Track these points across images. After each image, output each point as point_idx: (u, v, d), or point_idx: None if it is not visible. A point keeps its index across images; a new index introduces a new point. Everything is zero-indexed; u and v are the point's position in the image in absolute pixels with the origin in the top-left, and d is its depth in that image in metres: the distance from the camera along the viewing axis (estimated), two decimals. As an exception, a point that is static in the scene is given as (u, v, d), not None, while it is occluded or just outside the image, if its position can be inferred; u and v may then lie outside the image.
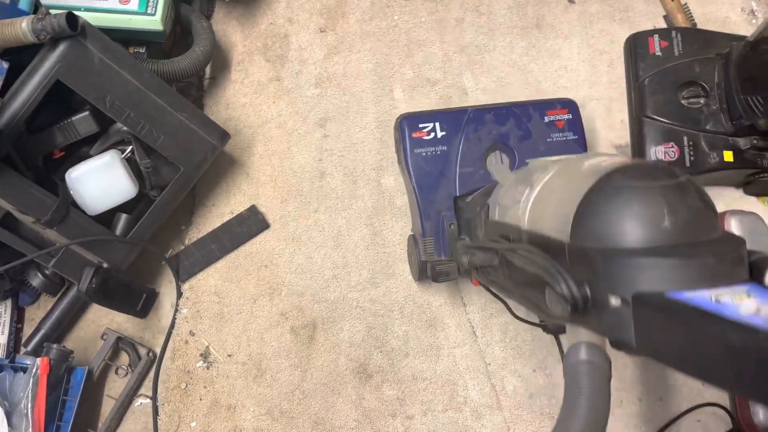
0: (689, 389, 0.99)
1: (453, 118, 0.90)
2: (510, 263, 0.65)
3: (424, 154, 0.89)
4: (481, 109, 0.92)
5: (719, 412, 0.96)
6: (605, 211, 0.52)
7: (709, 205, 0.53)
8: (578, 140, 0.92)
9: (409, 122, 0.90)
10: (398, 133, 0.92)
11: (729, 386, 0.41)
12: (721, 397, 0.99)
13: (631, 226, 0.50)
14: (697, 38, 1.06)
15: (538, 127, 0.91)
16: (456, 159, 0.89)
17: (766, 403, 0.39)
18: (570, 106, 0.93)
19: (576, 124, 0.92)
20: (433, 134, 0.90)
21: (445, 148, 0.89)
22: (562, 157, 0.68)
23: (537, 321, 0.90)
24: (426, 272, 0.90)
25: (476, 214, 0.84)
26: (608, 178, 0.53)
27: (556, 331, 0.79)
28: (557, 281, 0.52)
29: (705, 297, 0.44)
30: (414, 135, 0.89)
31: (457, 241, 0.87)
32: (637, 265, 0.48)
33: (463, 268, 0.82)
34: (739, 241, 0.51)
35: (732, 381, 0.40)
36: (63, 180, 0.89)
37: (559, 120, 0.92)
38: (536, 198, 0.64)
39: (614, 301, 0.49)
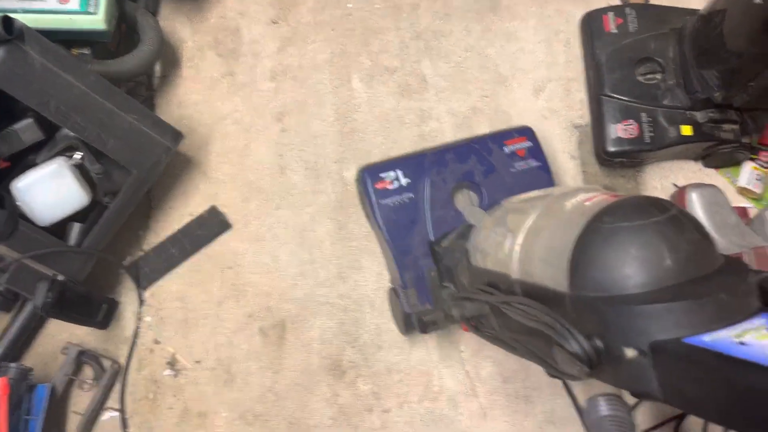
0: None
1: (414, 163, 0.88)
2: (505, 314, 0.61)
3: (391, 204, 0.86)
4: (441, 150, 0.90)
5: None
6: (603, 256, 0.50)
7: (706, 236, 0.52)
8: (542, 167, 0.91)
9: (370, 173, 0.87)
10: (362, 186, 0.89)
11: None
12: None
13: (633, 270, 0.48)
14: (651, 14, 1.07)
15: (500, 158, 0.90)
16: (425, 204, 0.87)
17: None
18: (527, 133, 0.92)
19: (536, 150, 0.91)
20: (397, 183, 0.87)
21: (411, 195, 0.87)
22: (537, 194, 0.65)
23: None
24: (412, 324, 0.86)
25: (457, 260, 0.81)
26: (599, 220, 0.51)
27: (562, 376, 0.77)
28: (566, 339, 0.49)
29: (726, 340, 0.42)
30: (378, 186, 0.86)
31: (440, 289, 0.84)
32: (649, 313, 0.46)
33: (452, 319, 0.79)
34: (743, 269, 0.49)
35: (761, 429, 0.38)
36: (9, 192, 0.85)
37: (519, 149, 0.90)
38: (523, 245, 0.61)
39: (630, 353, 0.46)
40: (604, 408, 0.51)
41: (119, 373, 0.93)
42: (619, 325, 0.47)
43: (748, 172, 1.07)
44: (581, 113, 1.09)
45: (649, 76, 1.04)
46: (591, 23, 1.08)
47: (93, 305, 0.91)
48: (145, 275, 0.95)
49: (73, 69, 0.82)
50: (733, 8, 0.89)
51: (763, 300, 0.48)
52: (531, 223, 0.61)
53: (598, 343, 0.48)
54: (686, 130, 1.01)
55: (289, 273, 0.98)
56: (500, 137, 0.91)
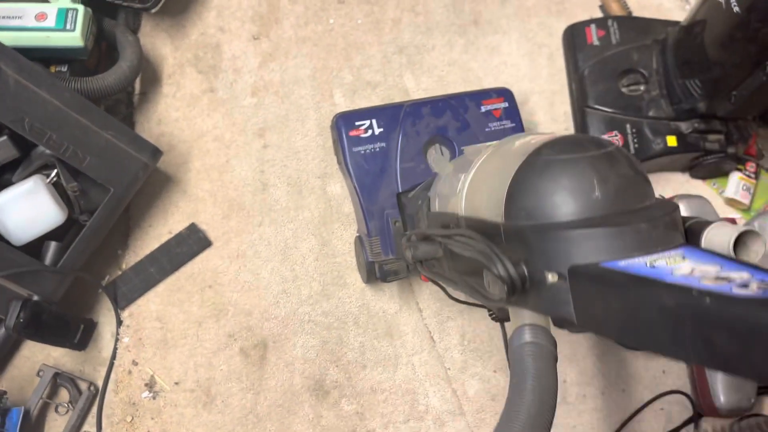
0: (650, 378, 0.98)
1: (390, 114, 0.89)
2: (452, 252, 0.63)
3: (362, 152, 0.87)
4: (418, 103, 0.91)
5: (681, 398, 0.96)
6: (535, 187, 0.51)
7: (640, 173, 0.53)
8: (516, 128, 0.91)
9: (345, 120, 0.88)
10: (335, 133, 0.90)
11: (667, 351, 0.40)
12: (683, 384, 0.98)
13: (562, 199, 0.49)
14: (633, 26, 1.07)
15: (476, 117, 0.90)
16: (396, 155, 0.88)
17: (702, 362, 0.37)
18: (505, 94, 0.93)
19: (513, 112, 0.92)
20: (370, 131, 0.88)
21: (384, 144, 0.88)
22: (496, 141, 0.66)
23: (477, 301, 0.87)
24: (374, 273, 0.87)
25: (418, 207, 0.82)
26: (537, 154, 0.53)
27: (503, 318, 0.77)
28: (493, 263, 0.51)
29: (640, 263, 0.43)
30: (351, 133, 0.87)
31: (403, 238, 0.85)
32: (569, 238, 0.47)
33: (409, 264, 0.80)
34: (672, 206, 0.51)
35: (670, 345, 0.39)
36: (-17, 210, 0.83)
37: (495, 109, 0.91)
38: (471, 182, 0.63)
39: (551, 278, 0.48)
40: (527, 335, 0.51)
41: (96, 395, 0.90)
42: (542, 250, 0.49)
43: (735, 183, 1.06)
44: (566, 126, 1.09)
45: (632, 87, 1.03)
46: (573, 36, 1.08)
47: (69, 326, 0.88)
48: (123, 295, 0.93)
49: (49, 86, 0.81)
50: (713, 18, 0.88)
51: (688, 242, 0.50)
52: (480, 162, 0.63)
53: (523, 268, 0.50)
54: (671, 141, 1.01)
55: (271, 291, 0.96)
56: (478, 96, 0.92)
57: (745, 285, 0.36)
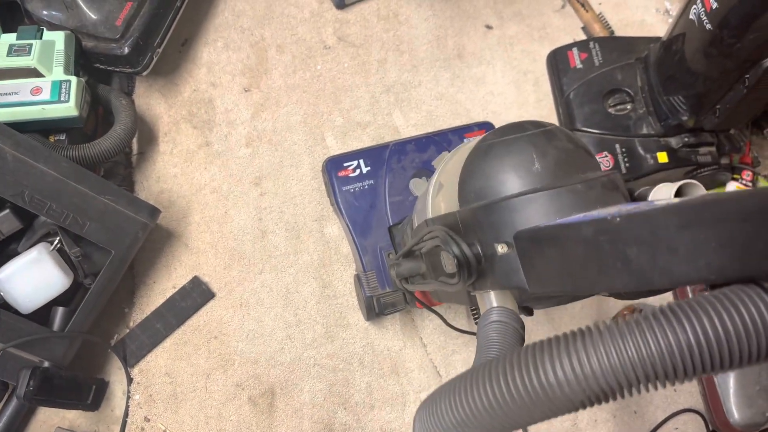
0: (661, 397, 0.97)
1: (376, 154, 0.94)
2: (429, 259, 0.64)
3: (352, 190, 0.92)
4: (402, 142, 0.95)
5: (695, 417, 0.94)
6: (481, 168, 0.54)
7: (581, 146, 0.55)
8: None
9: (334, 163, 0.93)
10: (326, 175, 0.95)
11: (599, 284, 0.41)
12: (695, 401, 0.97)
13: (505, 176, 0.52)
14: (615, 46, 1.08)
15: None
16: (384, 190, 0.92)
17: (626, 286, 0.38)
18: (486, 126, 0.96)
19: None
20: (358, 170, 0.92)
21: (372, 181, 0.92)
22: (456, 147, 0.69)
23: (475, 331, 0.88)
24: (374, 308, 0.89)
25: (403, 232, 0.85)
26: (482, 140, 0.56)
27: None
28: (448, 244, 0.53)
29: (573, 218, 0.46)
30: (340, 174, 0.92)
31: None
32: (512, 207, 0.50)
33: (399, 287, 0.81)
34: (613, 171, 0.53)
35: (598, 276, 0.40)
36: (-9, 282, 0.86)
37: None
38: (434, 185, 0.66)
39: (500, 249, 0.50)
40: (494, 315, 0.52)
41: (111, 454, 0.92)
42: (490, 223, 0.51)
43: (732, 193, 1.05)
44: (557, 149, 1.09)
45: (619, 106, 1.04)
46: (556, 60, 1.09)
47: (81, 388, 0.90)
48: (132, 353, 0.95)
49: (45, 157, 0.84)
50: (689, 35, 0.89)
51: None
52: (441, 168, 0.66)
53: (477, 247, 0.53)
54: (662, 157, 1.01)
55: (276, 337, 0.97)
56: (461, 131, 0.96)
57: (652, 204, 0.38)
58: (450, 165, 0.65)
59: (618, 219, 0.38)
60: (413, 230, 0.78)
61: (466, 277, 0.53)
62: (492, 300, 0.55)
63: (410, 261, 0.70)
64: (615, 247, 0.38)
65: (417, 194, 0.80)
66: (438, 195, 0.66)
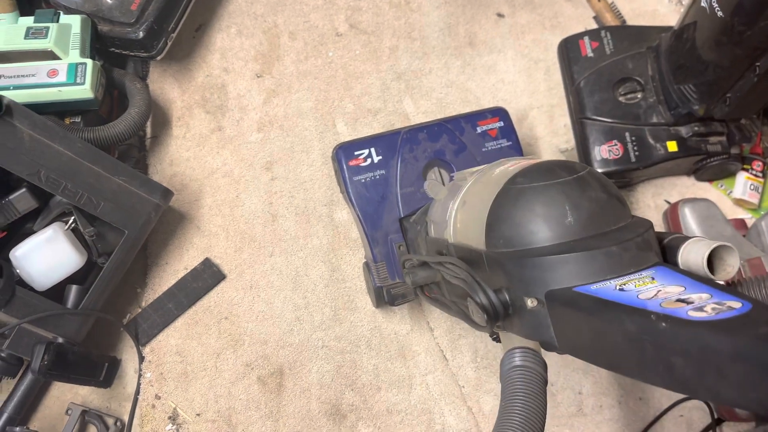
0: (668, 385, 0.97)
1: (387, 142, 0.91)
2: (450, 288, 0.64)
3: (363, 180, 0.89)
4: (414, 129, 0.92)
5: (700, 404, 0.95)
6: (511, 215, 0.53)
7: (614, 195, 0.54)
8: (512, 146, 0.92)
9: (344, 151, 0.90)
10: (336, 164, 0.92)
11: (637, 374, 0.41)
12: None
13: (536, 227, 0.51)
14: (626, 35, 1.08)
15: (472, 138, 0.92)
16: (396, 181, 0.90)
17: (668, 387, 0.38)
18: (500, 113, 0.93)
19: (508, 130, 0.93)
20: (369, 160, 0.90)
21: (383, 171, 0.90)
22: (483, 166, 0.68)
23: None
24: (383, 297, 0.89)
25: (417, 233, 0.84)
26: (511, 182, 0.55)
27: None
28: (475, 291, 0.53)
29: (609, 287, 0.45)
30: (351, 163, 0.89)
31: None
32: (544, 264, 0.48)
33: (410, 288, 0.82)
34: (645, 226, 0.52)
35: (637, 368, 0.40)
36: (8, 260, 0.88)
37: (491, 129, 0.92)
38: (457, 211, 0.65)
39: (530, 303, 0.49)
40: (517, 359, 0.53)
41: (122, 430, 0.94)
42: (521, 277, 0.50)
43: (742, 183, 1.05)
44: (566, 138, 1.10)
45: (629, 95, 1.04)
46: (568, 49, 1.09)
47: (94, 365, 0.92)
48: (144, 331, 0.97)
49: (61, 138, 0.85)
50: (700, 23, 0.89)
51: (664, 259, 0.51)
52: (465, 190, 0.65)
53: (505, 294, 0.52)
54: (672, 146, 1.01)
55: (285, 319, 0.99)
56: (474, 118, 0.93)
57: (700, 308, 0.37)
58: (472, 193, 0.64)
59: (663, 324, 0.37)
60: (429, 238, 0.77)
61: (492, 325, 0.53)
62: (514, 339, 0.54)
63: (426, 270, 0.71)
64: (659, 352, 0.37)
65: (430, 193, 0.78)
66: (458, 212, 0.65)
